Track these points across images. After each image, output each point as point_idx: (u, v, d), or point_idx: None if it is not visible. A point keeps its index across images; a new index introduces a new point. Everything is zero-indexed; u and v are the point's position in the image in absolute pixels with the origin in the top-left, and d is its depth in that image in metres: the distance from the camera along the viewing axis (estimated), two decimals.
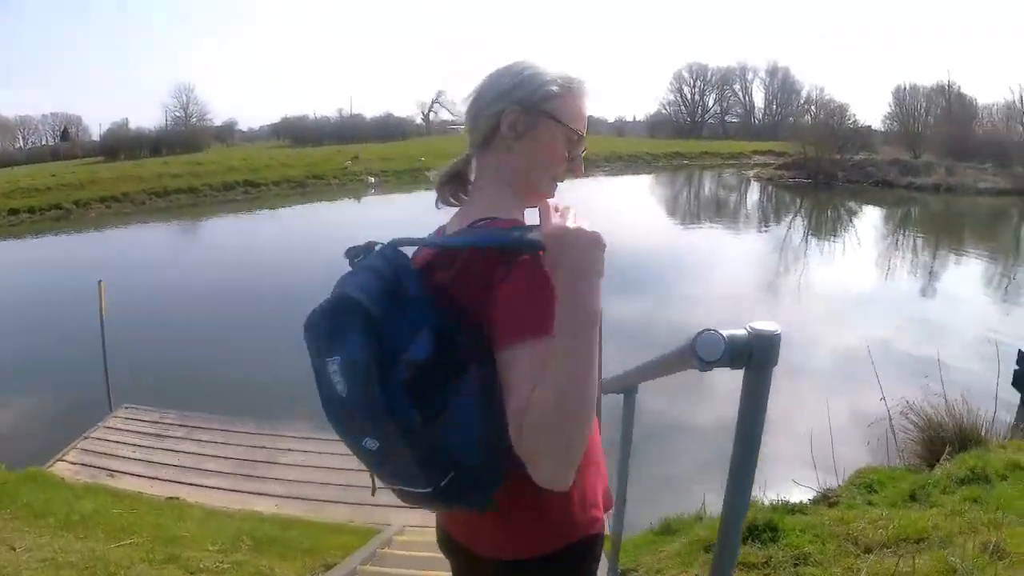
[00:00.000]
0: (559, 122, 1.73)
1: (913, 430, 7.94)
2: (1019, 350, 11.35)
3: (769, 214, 42.74)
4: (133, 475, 8.57)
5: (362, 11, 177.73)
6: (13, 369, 13.27)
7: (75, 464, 8.83)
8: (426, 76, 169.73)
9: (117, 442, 9.45)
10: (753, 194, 53.19)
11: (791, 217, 40.79)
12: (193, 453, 9.16)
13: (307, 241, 27.62)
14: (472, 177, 1.84)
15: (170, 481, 8.43)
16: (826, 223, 38.73)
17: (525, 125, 1.71)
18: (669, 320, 16.67)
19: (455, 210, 1.85)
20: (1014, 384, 11.08)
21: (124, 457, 9.02)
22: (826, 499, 7.09)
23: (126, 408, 10.50)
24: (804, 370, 13.70)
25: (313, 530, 6.97)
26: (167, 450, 9.25)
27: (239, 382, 12.88)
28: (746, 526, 5.46)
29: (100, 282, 10.56)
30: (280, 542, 6.37)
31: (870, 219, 39.62)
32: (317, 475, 8.66)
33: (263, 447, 9.33)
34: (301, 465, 8.92)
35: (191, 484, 8.33)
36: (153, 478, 8.52)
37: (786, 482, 7.05)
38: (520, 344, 1.46)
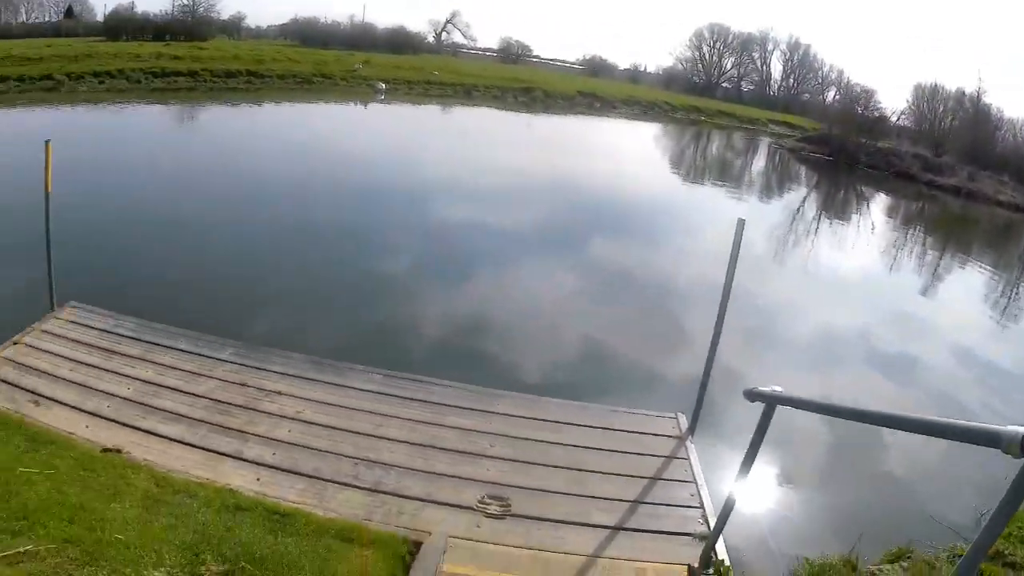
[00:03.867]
0: None
1: None
2: None
3: (784, 183, 41.28)
4: (65, 405, 6.15)
5: None
6: None
7: None
8: None
9: (53, 353, 7.00)
10: (764, 160, 51.96)
11: (806, 191, 39.22)
12: (150, 383, 6.72)
13: (309, 143, 26.00)
14: None
15: (113, 421, 6.00)
16: (842, 203, 37.41)
17: None
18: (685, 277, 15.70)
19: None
20: None
21: (58, 377, 6.58)
22: None
23: (72, 307, 8.07)
24: None
25: (315, 535, 4.57)
26: (116, 373, 6.80)
27: (223, 298, 10.80)
28: None
29: (47, 142, 7.90)
30: (263, 564, 3.96)
31: (886, 208, 38.60)
32: (318, 436, 6.25)
33: (244, 385, 6.90)
34: (296, 418, 6.48)
35: (141, 430, 5.92)
36: (92, 414, 6.08)
37: None
38: None
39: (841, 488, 8.65)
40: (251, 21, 75.54)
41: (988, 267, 26.15)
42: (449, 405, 7.12)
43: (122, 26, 53.82)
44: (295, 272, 12.33)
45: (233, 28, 70.53)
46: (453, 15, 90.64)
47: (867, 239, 26.54)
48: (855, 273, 20.51)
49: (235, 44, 54.75)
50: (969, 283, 22.92)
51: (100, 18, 63.26)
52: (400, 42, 72.68)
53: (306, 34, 68.26)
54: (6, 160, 16.34)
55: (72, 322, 7.71)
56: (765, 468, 7.98)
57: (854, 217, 32.42)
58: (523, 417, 7.16)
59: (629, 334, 12.04)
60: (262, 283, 11.65)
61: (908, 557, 5.92)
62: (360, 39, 68.51)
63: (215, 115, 31.59)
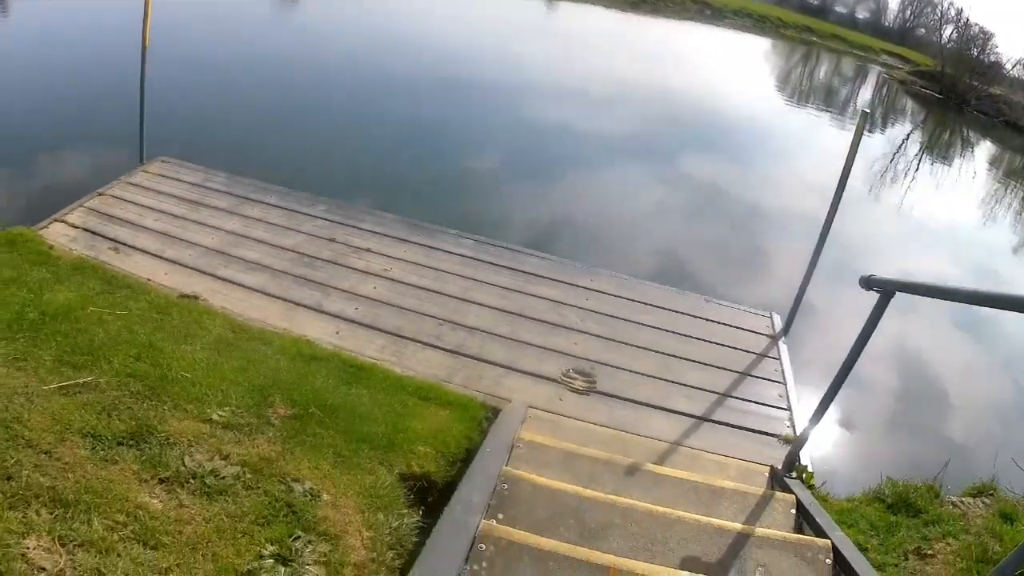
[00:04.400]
0: None
1: None
2: None
3: (890, 115, 39.44)
4: (146, 253, 6.01)
5: None
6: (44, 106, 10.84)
7: (76, 228, 6.27)
8: None
9: (138, 204, 6.85)
10: (872, 89, 49.83)
11: (911, 127, 37.40)
12: (235, 234, 6.56)
13: (409, 33, 25.32)
14: None
15: (194, 270, 5.84)
16: (946, 145, 35.63)
17: None
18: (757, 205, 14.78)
19: None
20: None
21: (141, 226, 6.44)
22: None
23: (162, 162, 7.88)
24: None
25: (391, 390, 4.35)
26: (201, 224, 6.64)
27: (320, 160, 10.83)
28: None
29: None
30: (335, 413, 3.74)
31: (990, 156, 36.80)
32: (403, 295, 6.02)
33: (332, 240, 6.70)
34: (382, 275, 6.26)
35: (221, 279, 5.75)
36: (172, 261, 5.93)
37: None
38: None
39: (929, 415, 8.38)
40: None
41: None
42: (541, 276, 6.83)
43: None
44: (388, 152, 12.12)
45: None
46: None
47: (967, 186, 25.40)
48: (949, 219, 19.58)
49: None
50: None
51: None
52: None
53: None
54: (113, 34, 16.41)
55: (161, 175, 7.56)
56: (857, 381, 7.69)
57: (956, 161, 31.00)
58: (616, 296, 6.82)
59: (720, 246, 11.82)
60: (357, 157, 11.49)
61: (991, 494, 5.58)
62: None
63: None
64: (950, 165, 29.19)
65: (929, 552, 4.22)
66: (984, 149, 37.99)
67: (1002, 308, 2.79)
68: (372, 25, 24.31)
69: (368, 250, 6.62)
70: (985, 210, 22.83)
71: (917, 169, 25.29)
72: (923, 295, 3.60)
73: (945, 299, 3.42)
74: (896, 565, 4.15)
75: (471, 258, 6.86)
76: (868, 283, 3.87)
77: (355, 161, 11.15)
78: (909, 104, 45.38)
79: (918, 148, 30.14)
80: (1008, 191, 27.61)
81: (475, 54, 23.50)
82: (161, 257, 5.94)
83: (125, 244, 6.06)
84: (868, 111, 6.66)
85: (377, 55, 19.78)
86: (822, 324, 8.70)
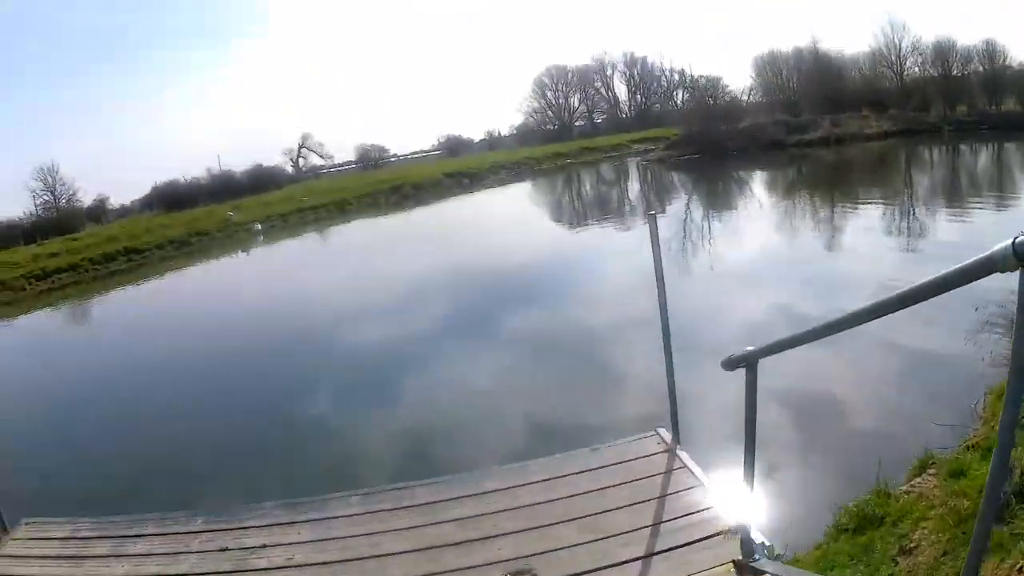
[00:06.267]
0: None
1: None
2: None
3: (663, 195, 42.44)
4: None
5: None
6: None
7: None
8: (288, 122, 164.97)
9: None
10: (637, 182, 53.32)
11: (686, 195, 40.51)
12: None
13: (203, 308, 26.25)
14: None
15: None
16: (723, 194, 38.74)
17: None
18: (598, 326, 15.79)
19: None
20: None
21: None
22: None
23: (27, 525, 7.49)
24: None
25: None
26: None
27: (176, 474, 10.48)
28: None
29: None
30: None
31: (767, 183, 40.18)
32: None
33: (225, 549, 6.51)
34: (288, 566, 6.13)
35: None
36: None
37: None
38: None
39: (835, 430, 9.01)
40: (115, 200, 75.85)
41: (880, 200, 27.29)
42: (438, 501, 6.89)
43: None
44: (239, 443, 12.04)
45: (100, 212, 70.75)
46: (304, 139, 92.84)
47: (758, 219, 27.24)
48: (759, 254, 21.05)
49: (107, 227, 54.81)
50: (869, 220, 23.67)
51: None
52: (263, 180, 75.65)
53: (170, 199, 69.47)
54: None
55: (31, 539, 7.21)
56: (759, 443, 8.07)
57: (740, 203, 33.29)
58: (515, 487, 6.97)
59: (581, 384, 12.24)
60: (219, 457, 11.34)
61: (932, 464, 5.96)
62: (223, 188, 70.76)
63: (105, 308, 30.76)
64: (735, 209, 31.24)
65: (912, 545, 4.53)
66: (759, 179, 40.99)
67: (854, 326, 3.14)
68: (159, 325, 24.23)
69: (263, 546, 6.48)
70: (785, 230, 24.76)
71: (710, 229, 27.07)
72: (784, 350, 3.94)
73: (805, 343, 3.75)
74: (892, 574, 4.41)
75: (365, 513, 6.85)
76: (731, 363, 4.27)
77: (215, 460, 11.01)
78: (676, 177, 48.19)
79: (701, 211, 32.02)
80: (796, 203, 29.86)
81: (281, 311, 23.61)
82: None
83: None
84: (655, 212, 7.18)
85: (172, 347, 19.79)
86: (706, 406, 9.35)
